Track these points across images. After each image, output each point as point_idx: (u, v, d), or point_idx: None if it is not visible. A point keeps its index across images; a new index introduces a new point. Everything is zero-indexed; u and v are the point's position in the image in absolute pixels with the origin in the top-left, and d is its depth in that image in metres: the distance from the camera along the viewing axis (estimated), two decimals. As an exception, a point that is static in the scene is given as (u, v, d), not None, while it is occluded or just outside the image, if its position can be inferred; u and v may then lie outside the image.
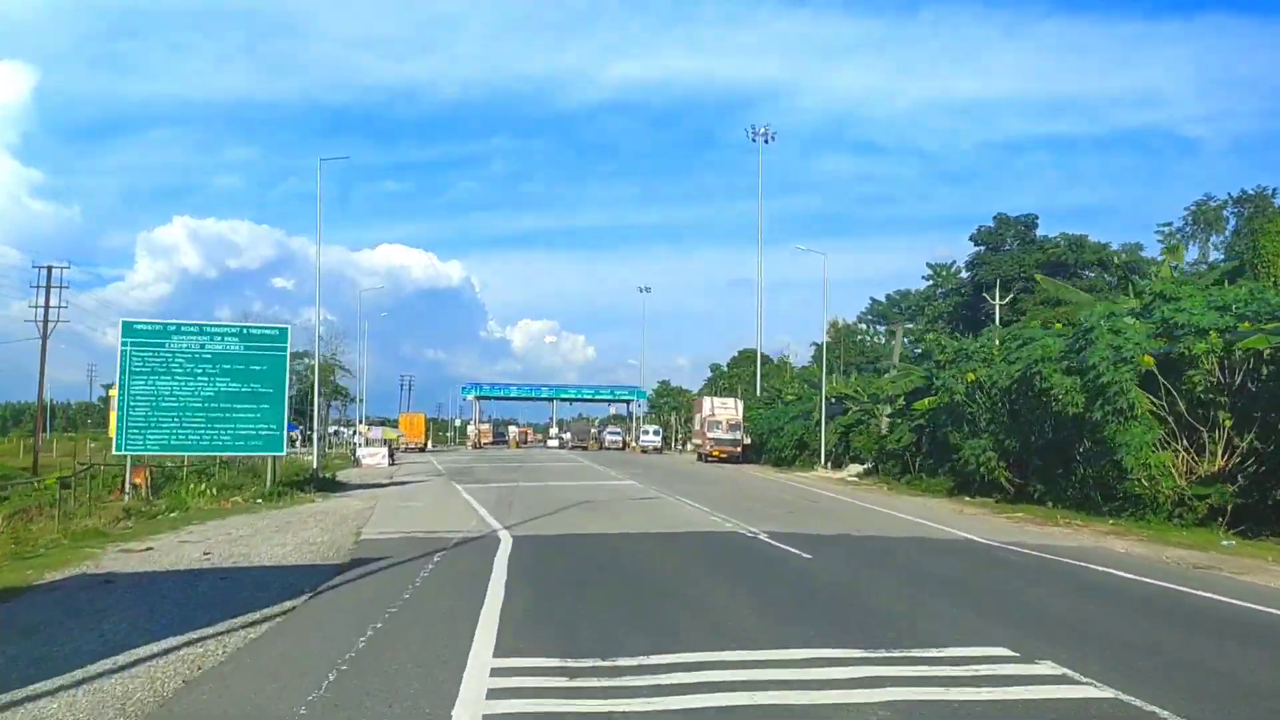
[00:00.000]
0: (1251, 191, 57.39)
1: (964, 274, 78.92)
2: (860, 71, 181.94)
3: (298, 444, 72.00)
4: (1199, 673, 7.17)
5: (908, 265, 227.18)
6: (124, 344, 24.34)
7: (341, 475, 39.59)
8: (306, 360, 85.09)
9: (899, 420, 38.36)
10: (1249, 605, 10.23)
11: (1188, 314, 19.98)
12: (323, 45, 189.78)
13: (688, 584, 10.72)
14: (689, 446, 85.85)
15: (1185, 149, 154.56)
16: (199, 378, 24.62)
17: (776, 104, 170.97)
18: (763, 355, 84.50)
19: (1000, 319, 57.33)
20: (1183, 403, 20.46)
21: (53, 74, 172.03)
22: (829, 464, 47.66)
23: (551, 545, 14.37)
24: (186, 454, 26.28)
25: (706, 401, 65.38)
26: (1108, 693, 6.37)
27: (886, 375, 49.90)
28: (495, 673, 6.76)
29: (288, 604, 9.63)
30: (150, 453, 24.84)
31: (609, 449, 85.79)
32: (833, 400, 48.16)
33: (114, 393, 26.23)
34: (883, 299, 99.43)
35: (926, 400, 33.86)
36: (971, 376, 27.40)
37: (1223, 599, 10.63)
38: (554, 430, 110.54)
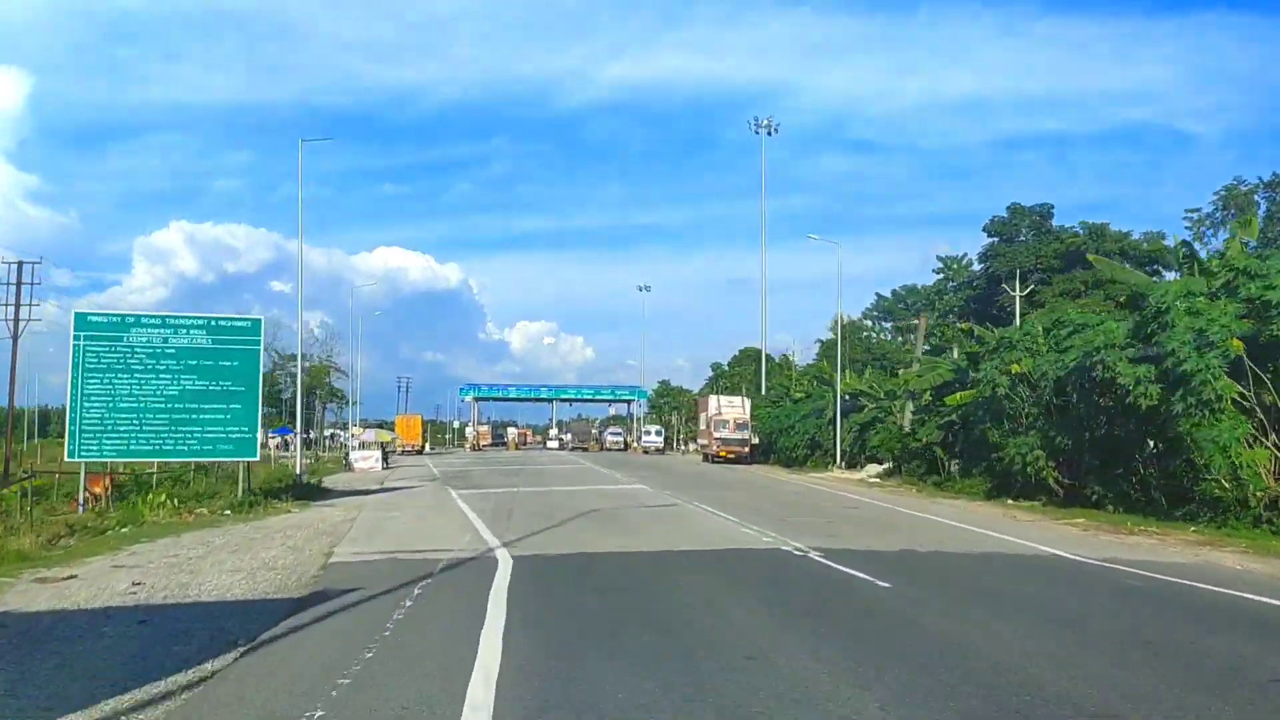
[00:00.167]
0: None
1: (976, 266, 76.42)
2: (857, 70, 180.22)
3: (293, 448, 69.78)
4: None
5: (907, 264, 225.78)
6: (76, 338, 21.75)
7: (330, 481, 37.07)
8: (304, 361, 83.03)
9: (926, 417, 35.82)
10: None
11: (1280, 291, 17.46)
12: (319, 49, 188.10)
13: (749, 632, 8.02)
14: (691, 447, 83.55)
15: (1182, 143, 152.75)
16: (161, 375, 22.06)
17: (774, 103, 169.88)
18: (765, 354, 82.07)
19: (1019, 311, 54.84)
20: (1274, 392, 17.97)
21: (48, 79, 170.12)
22: (844, 464, 45.29)
23: (560, 571, 11.77)
24: (147, 460, 23.67)
25: (712, 400, 62.82)
26: None
27: (909, 369, 47.43)
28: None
29: (208, 666, 7.09)
30: (107, 459, 22.23)
31: (610, 450, 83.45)
32: (846, 397, 45.64)
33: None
34: (888, 295, 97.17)
35: (958, 395, 31.36)
36: (1016, 368, 24.86)
37: None
38: (554, 431, 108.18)
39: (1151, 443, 21.68)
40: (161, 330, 22.31)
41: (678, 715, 5.59)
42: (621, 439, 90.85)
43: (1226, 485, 18.31)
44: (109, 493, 22.40)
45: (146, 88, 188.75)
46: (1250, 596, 10.37)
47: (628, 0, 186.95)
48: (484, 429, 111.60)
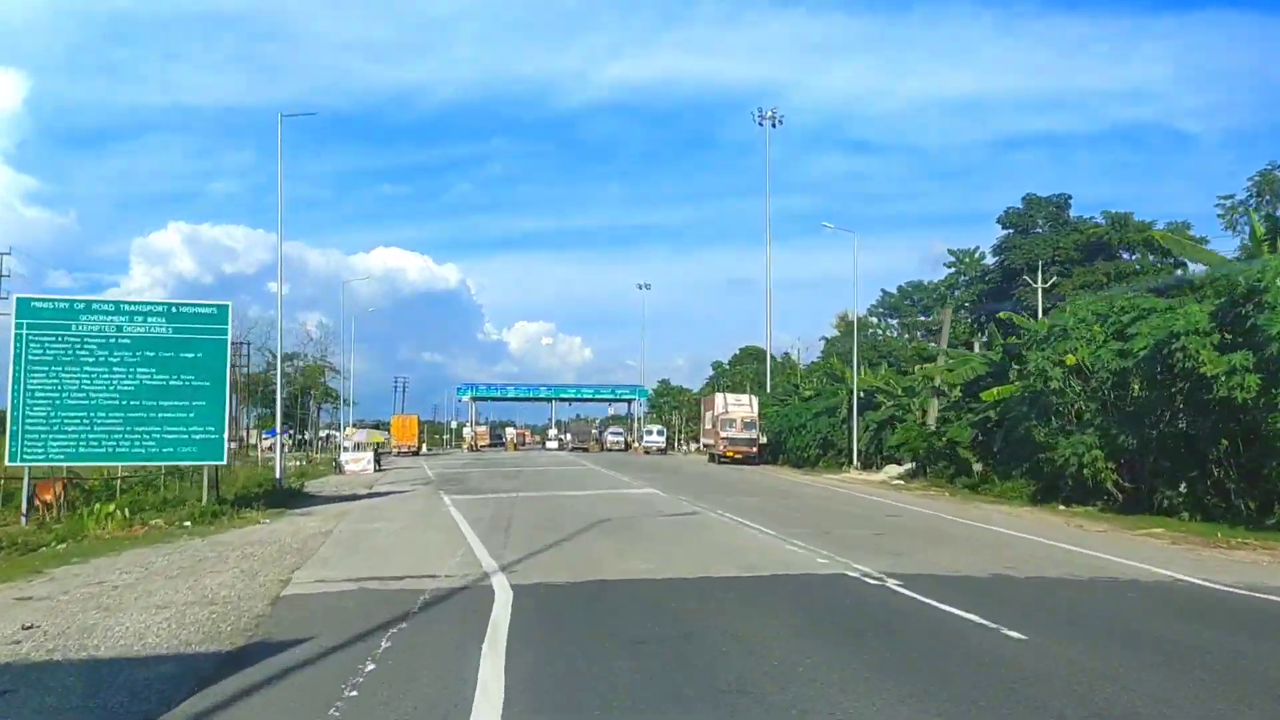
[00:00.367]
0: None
1: (989, 260, 73.86)
2: (855, 69, 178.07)
3: (287, 449, 67.20)
4: None
5: (905, 264, 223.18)
6: (19, 326, 19.27)
7: (316, 484, 34.66)
8: (298, 361, 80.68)
9: (955, 414, 33.35)
10: None
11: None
12: (318, 49, 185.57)
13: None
14: (693, 447, 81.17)
15: (1180, 142, 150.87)
16: (115, 368, 19.56)
17: (773, 103, 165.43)
18: (770, 351, 79.67)
19: (1041, 304, 52.40)
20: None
21: (46, 81, 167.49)
22: (859, 465, 42.83)
23: (574, 608, 9.17)
24: (98, 465, 21.14)
25: (719, 398, 60.26)
26: None
27: (927, 364, 44.94)
28: None
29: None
30: (53, 463, 19.69)
31: (611, 450, 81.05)
32: (861, 394, 43.20)
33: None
34: (894, 291, 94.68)
35: (995, 390, 28.89)
36: (1071, 359, 22.35)
37: None
38: (553, 431, 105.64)
39: (1225, 441, 19.25)
40: (115, 318, 19.79)
41: None
42: (622, 439, 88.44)
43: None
44: (60, 501, 19.90)
45: (145, 89, 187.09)
46: None
47: (627, 0, 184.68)
48: (482, 429, 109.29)
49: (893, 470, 38.81)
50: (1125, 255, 63.09)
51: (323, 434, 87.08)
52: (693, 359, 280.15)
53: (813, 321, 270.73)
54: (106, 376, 19.45)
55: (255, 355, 67.83)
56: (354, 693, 6.13)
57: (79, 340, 19.45)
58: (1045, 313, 44.86)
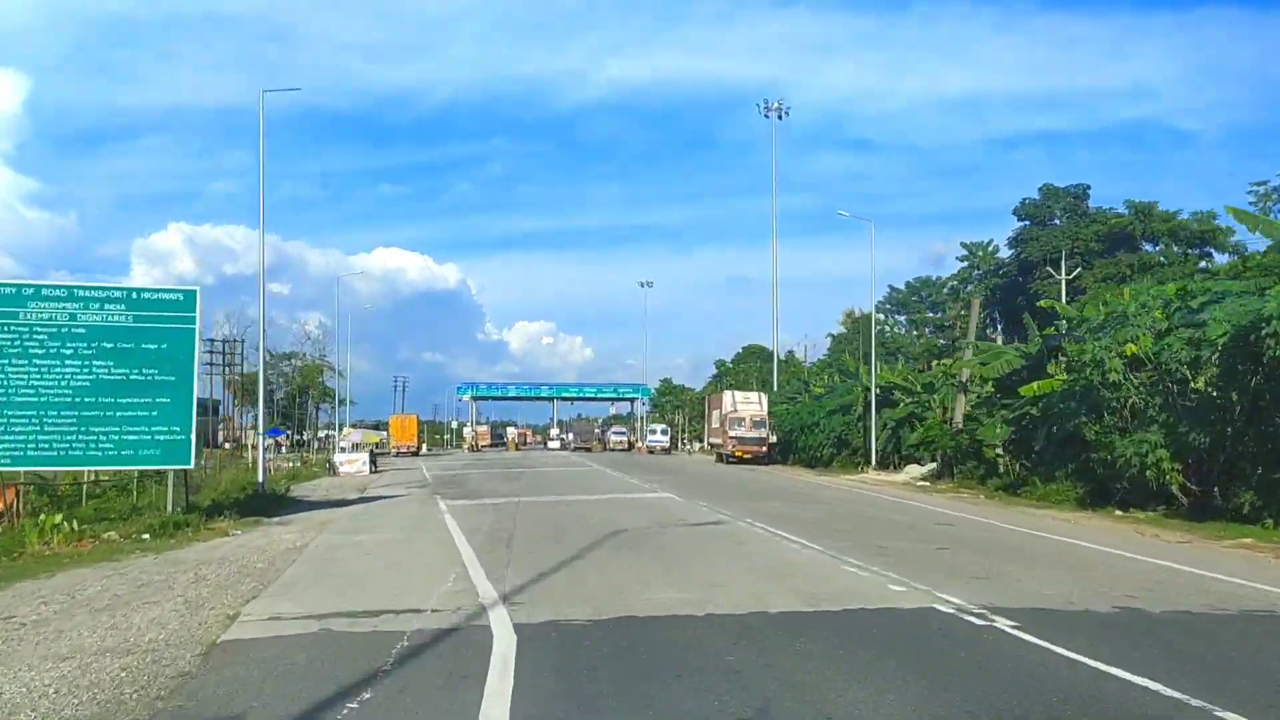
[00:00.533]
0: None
1: (1004, 253, 71.64)
2: (855, 68, 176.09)
3: (284, 449, 65.22)
4: None
5: (905, 263, 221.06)
6: (-41, 315, 17.11)
7: (307, 487, 32.52)
8: (295, 361, 78.59)
9: (988, 411, 31.18)
10: None
11: None
12: (317, 50, 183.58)
13: None
14: (697, 447, 79.05)
15: (1180, 141, 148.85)
16: (69, 361, 17.39)
17: (772, 102, 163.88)
18: (768, 351, 77.57)
19: (1064, 297, 50.27)
20: None
21: (46, 82, 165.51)
22: (878, 465, 40.68)
23: (597, 664, 6.78)
24: (48, 470, 18.96)
25: (727, 396, 58.13)
26: None
27: (948, 359, 42.82)
28: None
29: None
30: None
31: (614, 450, 79.07)
32: (877, 391, 41.07)
33: None
34: (901, 287, 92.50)
35: (1035, 385, 26.70)
36: (1132, 349, 20.18)
37: None
38: (554, 431, 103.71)
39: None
40: (68, 305, 17.61)
41: None
42: (625, 438, 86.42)
43: None
44: (15, 508, 17.73)
45: (145, 89, 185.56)
46: None
47: (626, 0, 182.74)
48: (482, 429, 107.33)
49: (914, 470, 36.67)
50: (1149, 247, 60.91)
51: (321, 434, 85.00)
52: (693, 358, 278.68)
53: (813, 321, 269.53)
54: (59, 370, 17.28)
55: (252, 354, 65.81)
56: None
57: (27, 329, 17.27)
58: (1069, 305, 42.77)
